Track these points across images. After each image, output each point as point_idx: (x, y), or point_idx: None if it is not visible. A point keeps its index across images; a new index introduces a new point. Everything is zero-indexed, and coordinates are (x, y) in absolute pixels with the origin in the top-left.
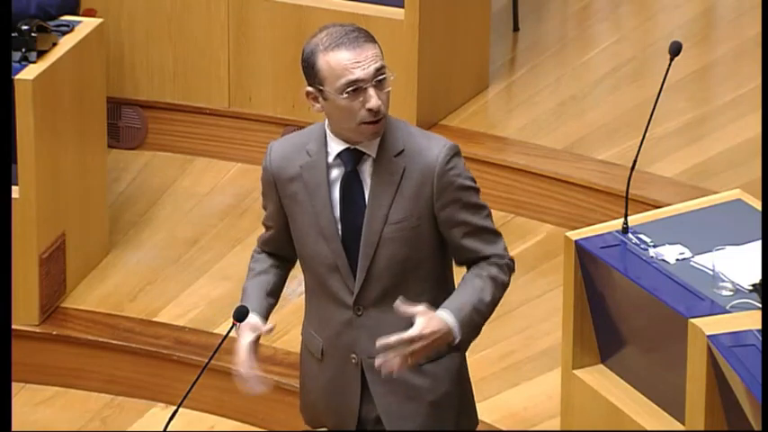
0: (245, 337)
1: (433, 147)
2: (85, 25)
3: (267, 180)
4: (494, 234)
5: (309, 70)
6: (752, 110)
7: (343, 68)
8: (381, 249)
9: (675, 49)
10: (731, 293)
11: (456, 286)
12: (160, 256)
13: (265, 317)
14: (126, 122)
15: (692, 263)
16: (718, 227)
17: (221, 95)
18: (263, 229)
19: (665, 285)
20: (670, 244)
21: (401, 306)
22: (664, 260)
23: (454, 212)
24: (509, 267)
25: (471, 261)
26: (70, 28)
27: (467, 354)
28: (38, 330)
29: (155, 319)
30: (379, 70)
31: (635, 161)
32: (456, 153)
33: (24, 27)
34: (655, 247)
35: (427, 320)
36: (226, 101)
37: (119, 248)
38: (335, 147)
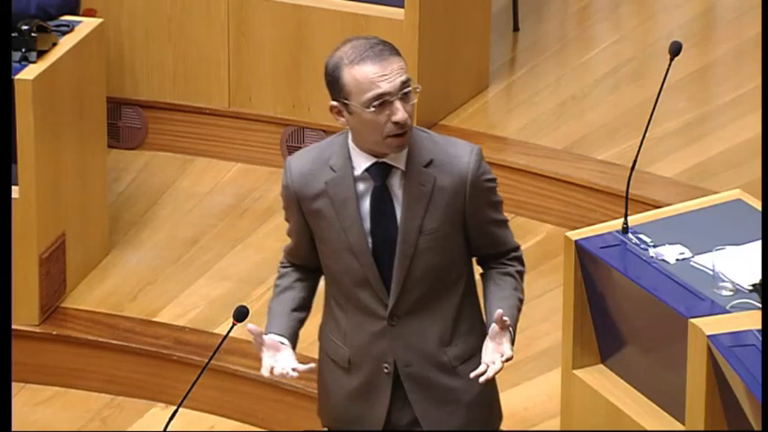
0: (265, 357)
1: (462, 154)
2: (85, 25)
3: (289, 197)
4: (506, 223)
5: (334, 84)
6: (752, 110)
7: (369, 82)
8: (416, 260)
9: (675, 49)
10: (731, 293)
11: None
12: (160, 256)
13: (292, 334)
14: (126, 122)
15: (692, 263)
16: (718, 227)
17: (221, 95)
18: (286, 239)
19: (665, 285)
20: (670, 244)
21: (501, 317)
22: (664, 260)
23: (483, 212)
24: (522, 255)
25: (491, 255)
26: (70, 28)
27: None
28: (38, 330)
29: (155, 319)
30: (405, 83)
31: (635, 161)
32: (482, 156)
33: (24, 27)
34: (655, 247)
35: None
36: (226, 101)
37: (119, 248)
38: (361, 161)
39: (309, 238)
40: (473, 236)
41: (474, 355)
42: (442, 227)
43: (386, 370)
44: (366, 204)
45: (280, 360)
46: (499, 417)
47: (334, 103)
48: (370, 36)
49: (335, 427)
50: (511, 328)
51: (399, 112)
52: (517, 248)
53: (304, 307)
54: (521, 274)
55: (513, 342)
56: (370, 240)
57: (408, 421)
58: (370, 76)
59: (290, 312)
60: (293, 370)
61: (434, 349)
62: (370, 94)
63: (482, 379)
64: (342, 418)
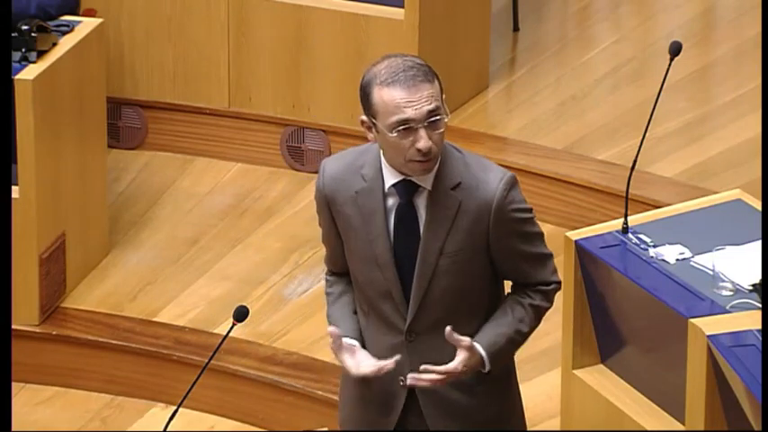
0: (347, 358)
1: (491, 180)
2: (85, 25)
3: (321, 200)
4: (544, 257)
5: (365, 100)
6: (752, 110)
7: (395, 106)
8: (435, 281)
9: (675, 49)
10: (731, 293)
11: None
12: (160, 256)
13: (359, 336)
14: (126, 122)
15: (692, 263)
16: (718, 227)
17: (221, 95)
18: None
19: (665, 285)
20: (670, 244)
21: (451, 335)
22: (664, 260)
23: (509, 243)
24: (554, 291)
25: (516, 284)
26: (70, 28)
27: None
28: (38, 330)
29: (155, 319)
30: (433, 112)
31: (635, 161)
32: (513, 185)
33: (24, 27)
34: (655, 247)
35: (468, 358)
36: (226, 101)
37: (119, 248)
38: (390, 176)
39: (341, 243)
40: (497, 262)
41: (494, 377)
42: (463, 250)
43: (401, 383)
44: (393, 219)
45: (362, 361)
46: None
47: (365, 118)
48: (408, 56)
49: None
50: (481, 352)
51: (422, 141)
52: (548, 283)
53: (350, 317)
54: (536, 308)
55: (485, 366)
56: (393, 255)
57: (417, 428)
58: (397, 100)
59: (351, 315)
60: (380, 369)
61: None
62: (394, 119)
63: (408, 382)
64: (351, 425)
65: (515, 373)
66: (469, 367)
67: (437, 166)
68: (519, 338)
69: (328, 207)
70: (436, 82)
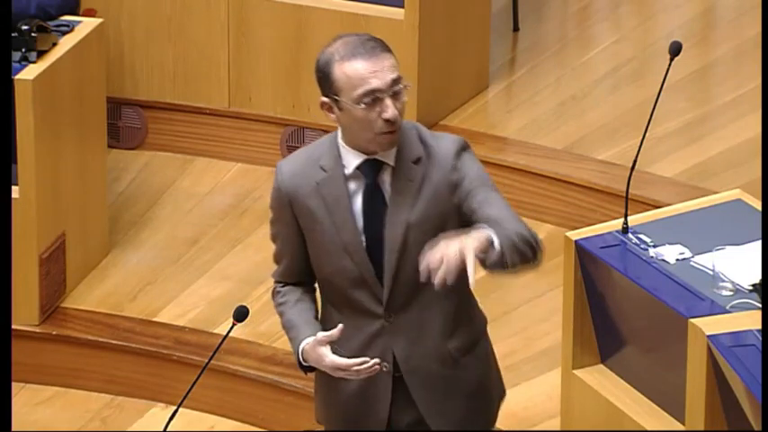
0: (323, 355)
1: (445, 145)
2: (85, 25)
3: (281, 200)
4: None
5: (325, 80)
6: (752, 110)
7: (360, 78)
8: (406, 254)
9: (675, 49)
10: (731, 293)
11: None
12: (160, 256)
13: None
14: (126, 122)
15: (692, 263)
16: (718, 227)
17: (221, 95)
18: (276, 261)
19: (665, 285)
20: (670, 244)
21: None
22: (664, 260)
23: (469, 173)
24: (535, 237)
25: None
26: (70, 28)
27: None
28: (38, 330)
29: (155, 319)
30: (396, 81)
31: (635, 161)
32: (466, 144)
33: (24, 27)
34: (655, 247)
35: (443, 242)
36: (226, 101)
37: (119, 248)
38: (352, 159)
39: (301, 246)
40: (466, 204)
41: (477, 345)
42: (430, 219)
43: (385, 368)
44: (358, 203)
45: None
46: (501, 395)
47: (325, 99)
48: (361, 33)
49: (337, 429)
50: (485, 230)
51: (390, 109)
52: (527, 231)
53: (317, 317)
54: (524, 236)
55: (493, 242)
56: (363, 239)
57: (410, 422)
58: (361, 71)
59: (313, 320)
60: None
61: (435, 342)
62: (360, 90)
63: (438, 280)
64: (342, 420)
65: (490, 341)
66: (459, 237)
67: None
68: (516, 242)
69: (290, 206)
70: (393, 54)
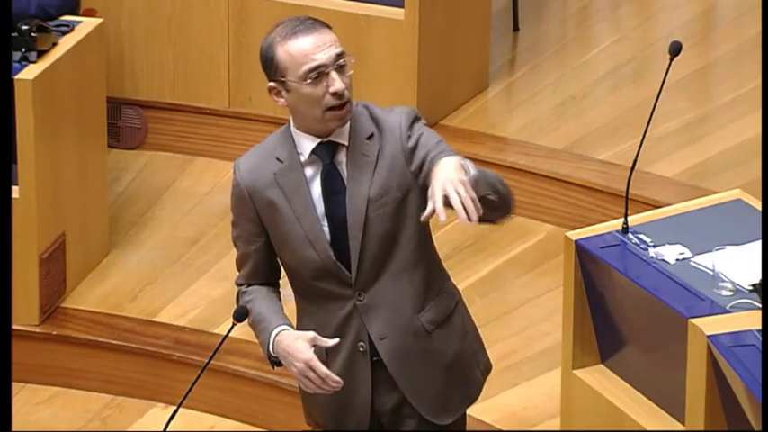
0: (302, 350)
1: (395, 116)
2: (85, 25)
3: (240, 196)
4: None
5: (269, 65)
6: (752, 110)
7: (304, 55)
8: (369, 229)
9: (675, 49)
10: (731, 293)
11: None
12: (160, 256)
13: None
14: (126, 122)
15: (692, 263)
16: (718, 227)
17: (221, 95)
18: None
19: (665, 285)
20: (670, 244)
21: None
22: (664, 260)
23: (425, 142)
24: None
25: None
26: (70, 28)
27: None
28: (38, 330)
29: (155, 319)
30: (339, 55)
31: (635, 161)
32: (416, 114)
33: (24, 27)
34: (655, 247)
35: (438, 180)
36: (226, 101)
37: (119, 248)
38: (307, 144)
39: (265, 242)
40: (425, 168)
41: (448, 317)
42: (389, 192)
43: (361, 349)
44: (317, 187)
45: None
46: (486, 370)
47: (272, 84)
48: (300, 15)
49: (324, 423)
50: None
51: (336, 83)
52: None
53: (282, 312)
54: (490, 172)
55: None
56: (326, 223)
57: (393, 404)
58: (305, 48)
59: (282, 313)
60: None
61: (408, 317)
62: (305, 67)
63: (462, 215)
64: (328, 411)
65: (466, 309)
66: (456, 168)
67: (349, 122)
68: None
69: (251, 201)
70: (332, 30)
